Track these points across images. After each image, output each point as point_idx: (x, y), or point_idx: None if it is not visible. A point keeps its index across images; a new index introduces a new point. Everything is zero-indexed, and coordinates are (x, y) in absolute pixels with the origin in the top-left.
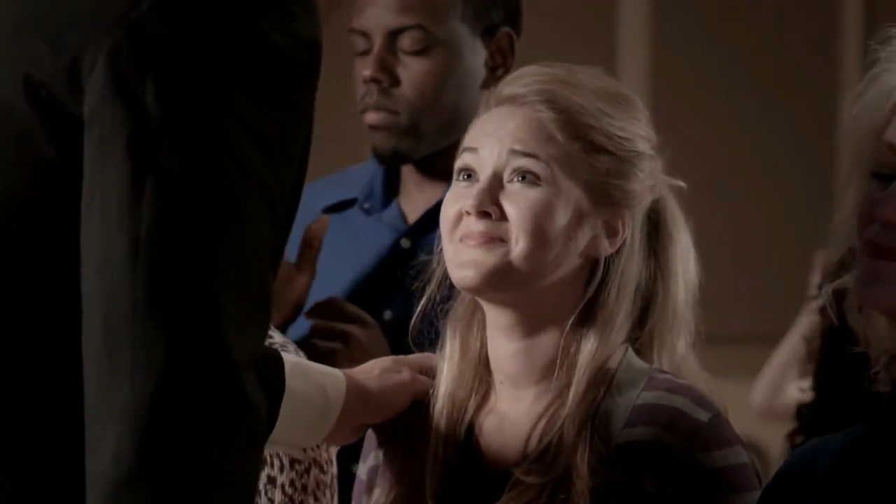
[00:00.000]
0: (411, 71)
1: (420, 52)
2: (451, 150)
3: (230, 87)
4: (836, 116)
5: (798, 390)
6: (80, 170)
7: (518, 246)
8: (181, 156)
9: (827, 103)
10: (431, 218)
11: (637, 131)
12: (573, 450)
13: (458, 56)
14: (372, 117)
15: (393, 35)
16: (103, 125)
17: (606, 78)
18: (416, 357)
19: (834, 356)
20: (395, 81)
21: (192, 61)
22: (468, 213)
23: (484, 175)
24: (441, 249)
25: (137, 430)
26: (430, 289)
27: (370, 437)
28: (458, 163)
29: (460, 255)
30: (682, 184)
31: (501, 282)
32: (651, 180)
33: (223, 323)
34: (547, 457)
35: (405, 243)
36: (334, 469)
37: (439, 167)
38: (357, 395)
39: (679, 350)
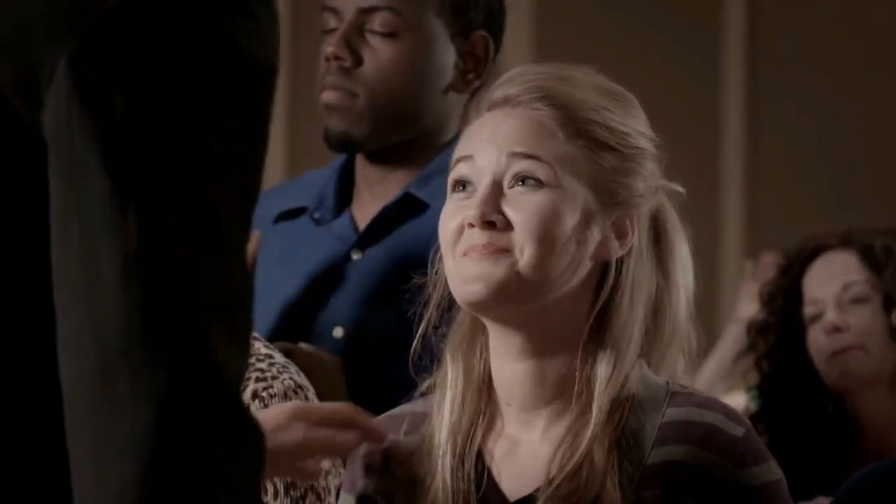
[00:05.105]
0: (376, 53)
1: (389, 35)
2: (405, 148)
3: (204, 95)
4: (720, 59)
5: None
6: (41, 186)
7: (525, 254)
8: (160, 169)
9: (711, 50)
10: (379, 225)
11: (638, 128)
12: (603, 473)
13: (426, 48)
14: (328, 96)
15: (363, 14)
16: (73, 140)
17: (600, 76)
18: (331, 407)
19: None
20: (358, 62)
21: (161, 66)
22: (471, 226)
23: (482, 184)
24: (437, 271)
25: (141, 462)
26: (429, 312)
27: (355, 465)
28: (453, 174)
29: (465, 270)
30: (680, 189)
31: (511, 295)
32: (654, 181)
33: (214, 343)
34: (577, 481)
35: (355, 255)
36: (332, 498)
37: (392, 163)
38: None
39: (679, 368)
